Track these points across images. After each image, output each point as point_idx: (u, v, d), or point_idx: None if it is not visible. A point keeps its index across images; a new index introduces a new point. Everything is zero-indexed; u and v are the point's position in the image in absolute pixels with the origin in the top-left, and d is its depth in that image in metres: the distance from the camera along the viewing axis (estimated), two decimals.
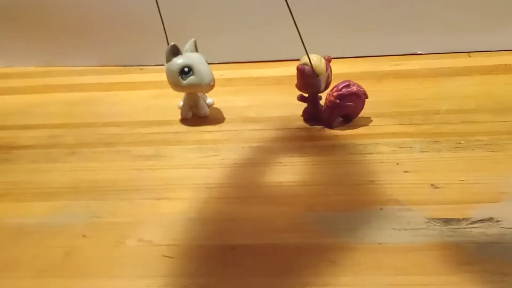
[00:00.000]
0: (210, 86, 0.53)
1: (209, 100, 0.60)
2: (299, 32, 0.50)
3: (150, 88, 0.70)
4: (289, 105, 0.59)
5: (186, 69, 0.52)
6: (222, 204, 0.41)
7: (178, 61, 0.53)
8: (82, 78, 0.77)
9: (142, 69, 0.79)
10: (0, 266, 0.35)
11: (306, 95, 0.54)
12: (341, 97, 0.51)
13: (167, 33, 0.55)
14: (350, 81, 0.52)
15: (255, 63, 0.77)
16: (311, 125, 0.54)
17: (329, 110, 0.52)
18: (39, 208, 0.42)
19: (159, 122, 0.58)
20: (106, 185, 0.45)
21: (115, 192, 0.44)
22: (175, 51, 0.53)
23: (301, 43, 0.50)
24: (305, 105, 0.55)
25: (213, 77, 0.53)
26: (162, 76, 0.74)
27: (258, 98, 0.63)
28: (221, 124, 0.57)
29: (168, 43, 0.54)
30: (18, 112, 0.64)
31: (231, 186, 0.44)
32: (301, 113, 0.55)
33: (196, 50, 0.54)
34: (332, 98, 0.51)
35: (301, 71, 0.51)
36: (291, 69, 0.73)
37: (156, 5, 0.53)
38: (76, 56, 0.83)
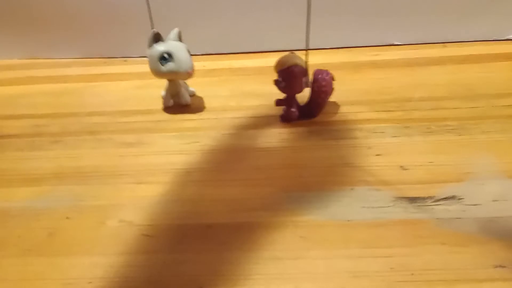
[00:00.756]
0: (188, 73, 0.54)
1: (191, 89, 0.61)
2: (308, 29, 0.50)
3: (133, 79, 0.71)
4: (269, 94, 0.61)
5: (166, 55, 0.54)
6: (200, 187, 0.43)
7: (159, 47, 0.54)
8: (66, 70, 0.78)
9: (126, 60, 0.81)
10: None
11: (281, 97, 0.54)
12: (328, 83, 0.53)
13: (152, 23, 0.56)
14: (315, 70, 0.53)
15: (236, 54, 0.79)
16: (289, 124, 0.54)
17: (321, 99, 0.53)
18: (24, 193, 0.43)
19: (142, 111, 0.60)
20: (89, 171, 0.46)
21: (98, 177, 0.45)
22: (157, 38, 0.55)
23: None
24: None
25: (192, 66, 0.54)
26: (146, 68, 0.75)
27: (239, 88, 0.65)
28: (202, 113, 0.58)
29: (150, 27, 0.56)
30: (2, 103, 0.65)
31: (209, 170, 0.46)
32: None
33: (180, 40, 0.56)
34: (324, 88, 0.52)
35: (293, 73, 0.51)
36: (270, 60, 0.75)
37: None
38: (59, 48, 0.84)
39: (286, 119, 0.53)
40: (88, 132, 0.55)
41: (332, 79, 0.54)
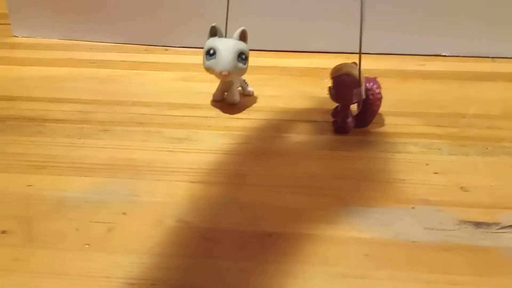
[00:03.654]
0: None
1: (249, 89, 0.61)
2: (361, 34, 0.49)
3: (176, 70, 0.71)
4: (316, 98, 0.60)
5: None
6: (256, 192, 0.42)
7: (209, 42, 0.55)
8: (107, 54, 0.77)
9: (166, 49, 0.80)
10: (45, 237, 0.36)
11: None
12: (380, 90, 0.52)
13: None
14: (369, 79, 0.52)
15: (279, 52, 0.78)
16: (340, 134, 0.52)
17: (377, 106, 0.52)
18: (78, 183, 0.43)
19: (188, 105, 0.59)
20: (142, 164, 0.46)
21: (151, 172, 0.45)
22: (213, 32, 0.55)
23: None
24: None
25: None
26: (187, 59, 0.75)
27: (286, 89, 0.64)
28: (249, 112, 0.58)
29: (226, 24, 0.57)
30: (46, 85, 0.64)
31: (263, 175, 0.45)
32: (328, 107, 0.53)
33: (243, 40, 0.55)
34: (379, 95, 0.51)
35: (342, 82, 0.49)
36: (315, 61, 0.74)
37: None
38: (98, 32, 0.83)
39: (340, 130, 0.52)
40: (136, 123, 0.54)
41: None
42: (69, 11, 0.83)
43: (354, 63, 0.50)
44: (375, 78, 0.52)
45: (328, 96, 0.51)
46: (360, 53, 0.49)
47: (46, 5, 0.83)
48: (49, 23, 0.84)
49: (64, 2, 0.82)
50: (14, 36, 0.85)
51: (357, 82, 0.49)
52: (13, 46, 0.81)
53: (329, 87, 0.51)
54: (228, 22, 0.58)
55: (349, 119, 0.51)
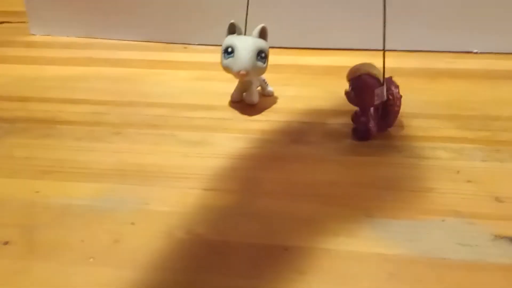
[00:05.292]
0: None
1: (269, 89, 0.58)
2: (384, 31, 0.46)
3: (194, 69, 0.69)
4: (338, 98, 0.56)
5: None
6: (272, 200, 0.40)
7: (226, 39, 0.52)
8: (125, 53, 0.75)
9: (185, 48, 0.78)
10: (48, 248, 0.34)
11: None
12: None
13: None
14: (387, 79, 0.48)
15: (300, 49, 0.75)
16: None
17: (398, 107, 0.49)
18: (85, 190, 0.41)
19: (204, 106, 0.57)
20: (153, 170, 0.44)
21: (162, 178, 0.42)
22: (231, 29, 0.52)
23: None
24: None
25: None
26: (206, 57, 0.73)
27: (306, 89, 0.61)
28: (268, 113, 0.55)
29: (246, 21, 0.54)
30: (60, 85, 0.63)
31: (280, 182, 0.42)
32: (351, 108, 0.49)
33: (263, 38, 0.52)
34: (398, 94, 0.48)
35: (364, 82, 0.46)
36: (337, 59, 0.71)
37: None
38: (118, 29, 0.81)
39: (362, 137, 0.48)
40: (149, 125, 0.52)
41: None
42: (87, 9, 0.81)
43: (371, 63, 0.47)
44: (390, 77, 0.49)
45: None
46: (384, 50, 0.46)
47: (64, 2, 0.82)
48: (67, 21, 0.83)
49: None
50: (32, 34, 0.84)
51: (378, 82, 0.46)
52: (29, 45, 0.80)
53: (347, 90, 0.48)
54: (247, 18, 0.55)
55: (371, 124, 0.48)
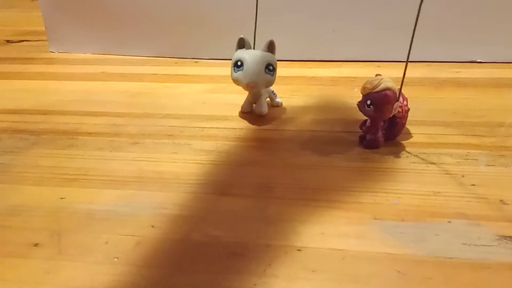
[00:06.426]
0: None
1: (278, 100, 0.60)
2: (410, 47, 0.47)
3: (205, 82, 0.71)
4: (345, 108, 0.59)
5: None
6: (284, 205, 0.42)
7: (236, 53, 0.55)
8: (139, 68, 0.78)
9: (196, 62, 0.80)
10: (75, 250, 0.36)
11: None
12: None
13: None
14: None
15: (307, 62, 0.77)
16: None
17: (405, 118, 0.50)
18: (107, 196, 0.43)
19: (217, 117, 0.59)
20: (170, 177, 0.46)
21: (179, 185, 0.44)
22: (241, 44, 0.55)
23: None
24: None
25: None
26: (217, 70, 0.75)
27: (315, 99, 0.63)
28: (279, 123, 0.57)
29: (254, 36, 0.56)
30: (79, 99, 0.66)
31: (292, 187, 0.44)
32: (359, 118, 0.52)
33: (271, 51, 0.54)
34: (407, 107, 0.50)
35: (387, 98, 0.47)
36: (343, 70, 0.73)
37: None
38: (132, 45, 0.84)
39: (370, 146, 0.50)
40: (165, 135, 0.54)
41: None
42: (102, 27, 0.85)
43: (379, 75, 0.49)
44: (399, 89, 0.50)
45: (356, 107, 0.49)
46: (407, 62, 0.47)
47: (81, 21, 0.85)
48: (83, 38, 0.86)
49: (98, 18, 0.84)
50: (51, 51, 0.88)
51: (397, 96, 0.48)
52: (49, 62, 0.83)
53: (361, 102, 0.48)
54: (256, 33, 0.57)
55: (379, 134, 0.49)
